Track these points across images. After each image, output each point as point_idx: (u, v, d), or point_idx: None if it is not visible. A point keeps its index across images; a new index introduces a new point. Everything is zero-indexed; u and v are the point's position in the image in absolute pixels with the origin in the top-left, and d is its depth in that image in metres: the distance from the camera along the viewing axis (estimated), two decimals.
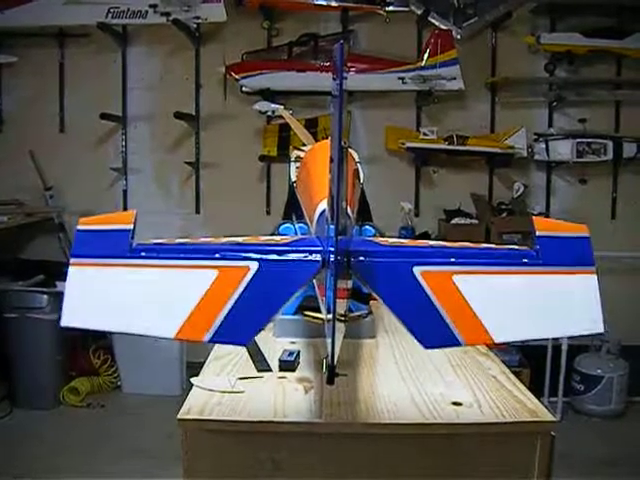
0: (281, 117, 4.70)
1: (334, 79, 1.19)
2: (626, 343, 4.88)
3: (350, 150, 1.62)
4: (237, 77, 4.93)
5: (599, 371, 4.70)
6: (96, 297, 1.24)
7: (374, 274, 1.23)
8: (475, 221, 4.97)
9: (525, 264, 1.23)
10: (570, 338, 4.55)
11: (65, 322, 1.24)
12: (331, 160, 1.20)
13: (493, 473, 1.41)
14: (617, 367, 4.72)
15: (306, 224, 1.62)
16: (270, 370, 1.67)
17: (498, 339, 1.20)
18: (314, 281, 1.38)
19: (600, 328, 1.20)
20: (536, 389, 1.61)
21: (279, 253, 1.23)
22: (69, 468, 3.74)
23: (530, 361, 4.76)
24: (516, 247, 1.27)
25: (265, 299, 1.20)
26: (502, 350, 4.59)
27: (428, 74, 4.83)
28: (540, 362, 4.78)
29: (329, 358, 1.16)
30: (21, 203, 5.13)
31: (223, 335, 1.17)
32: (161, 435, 3.90)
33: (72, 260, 1.24)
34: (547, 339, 4.74)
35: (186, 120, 5.10)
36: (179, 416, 1.39)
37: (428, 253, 1.27)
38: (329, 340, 1.16)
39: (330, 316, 1.15)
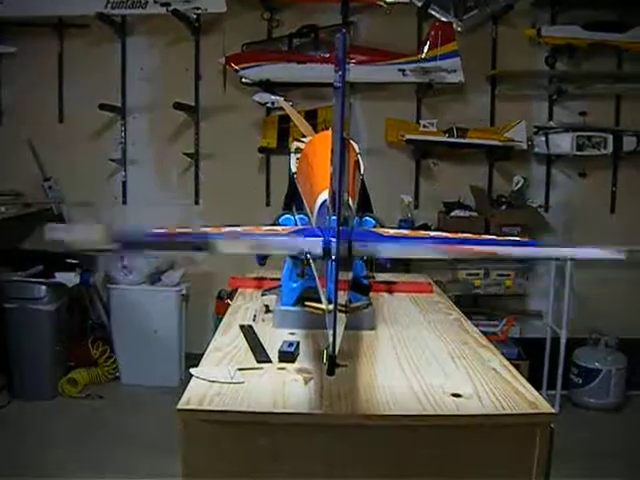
0: (281, 108, 4.69)
1: (336, 71, 1.18)
2: (624, 336, 4.89)
3: (351, 141, 1.61)
4: (237, 68, 4.91)
5: (597, 364, 4.71)
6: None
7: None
8: (475, 214, 4.97)
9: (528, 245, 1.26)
10: (568, 332, 4.57)
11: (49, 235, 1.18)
12: (333, 151, 1.20)
13: (492, 464, 1.41)
14: (615, 360, 4.73)
15: (306, 215, 1.62)
16: (269, 361, 1.67)
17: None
18: (314, 272, 1.38)
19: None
20: (534, 382, 1.61)
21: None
22: (67, 459, 3.74)
23: (528, 354, 4.77)
24: (518, 239, 1.28)
25: None
26: (501, 343, 4.61)
27: (428, 66, 4.81)
28: (538, 355, 4.79)
29: (330, 349, 1.16)
30: (20, 194, 5.11)
31: None
32: (159, 426, 3.88)
33: None
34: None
35: (185, 111, 5.08)
36: (178, 406, 1.39)
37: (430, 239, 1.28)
38: (330, 331, 1.16)
39: (331, 306, 1.15)
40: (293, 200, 1.96)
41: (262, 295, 2.32)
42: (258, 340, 1.81)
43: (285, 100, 4.58)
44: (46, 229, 1.16)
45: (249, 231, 1.27)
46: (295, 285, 1.94)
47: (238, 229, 1.27)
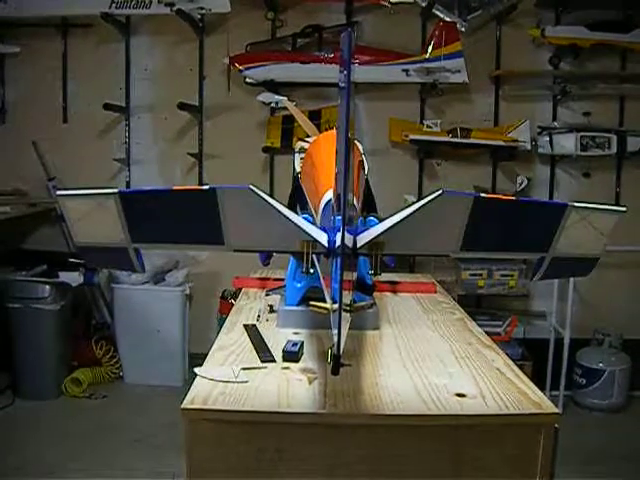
0: (285, 108, 4.70)
1: (341, 71, 1.18)
2: (628, 337, 4.88)
3: (355, 141, 1.61)
4: (241, 68, 4.91)
5: (601, 365, 4.70)
6: None
7: None
8: None
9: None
10: (572, 332, 4.56)
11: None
12: (337, 151, 1.20)
13: (496, 465, 1.41)
14: (619, 361, 4.72)
15: (311, 215, 1.62)
16: (274, 361, 1.66)
17: None
18: (319, 272, 1.38)
19: None
20: (538, 382, 1.61)
21: None
22: (70, 458, 3.75)
23: (532, 354, 4.77)
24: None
25: None
26: (505, 343, 4.60)
27: (432, 66, 4.81)
28: (542, 355, 4.79)
29: (335, 348, 1.16)
30: (24, 193, 5.12)
31: None
32: (163, 425, 3.92)
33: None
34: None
35: (189, 111, 5.09)
36: (183, 406, 1.39)
37: None
38: (335, 330, 1.16)
39: (336, 306, 1.15)
40: (297, 200, 1.96)
41: (266, 295, 2.31)
42: (262, 340, 1.81)
43: (289, 100, 4.58)
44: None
45: None
46: (299, 285, 1.93)
47: None
